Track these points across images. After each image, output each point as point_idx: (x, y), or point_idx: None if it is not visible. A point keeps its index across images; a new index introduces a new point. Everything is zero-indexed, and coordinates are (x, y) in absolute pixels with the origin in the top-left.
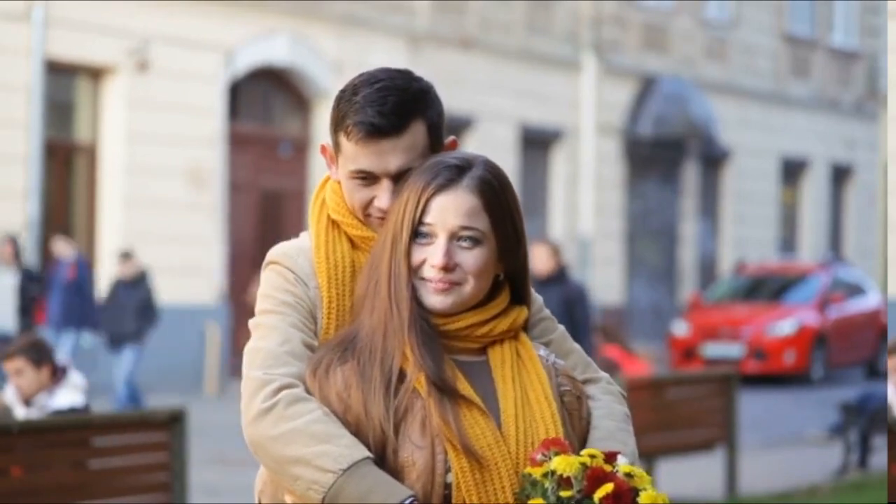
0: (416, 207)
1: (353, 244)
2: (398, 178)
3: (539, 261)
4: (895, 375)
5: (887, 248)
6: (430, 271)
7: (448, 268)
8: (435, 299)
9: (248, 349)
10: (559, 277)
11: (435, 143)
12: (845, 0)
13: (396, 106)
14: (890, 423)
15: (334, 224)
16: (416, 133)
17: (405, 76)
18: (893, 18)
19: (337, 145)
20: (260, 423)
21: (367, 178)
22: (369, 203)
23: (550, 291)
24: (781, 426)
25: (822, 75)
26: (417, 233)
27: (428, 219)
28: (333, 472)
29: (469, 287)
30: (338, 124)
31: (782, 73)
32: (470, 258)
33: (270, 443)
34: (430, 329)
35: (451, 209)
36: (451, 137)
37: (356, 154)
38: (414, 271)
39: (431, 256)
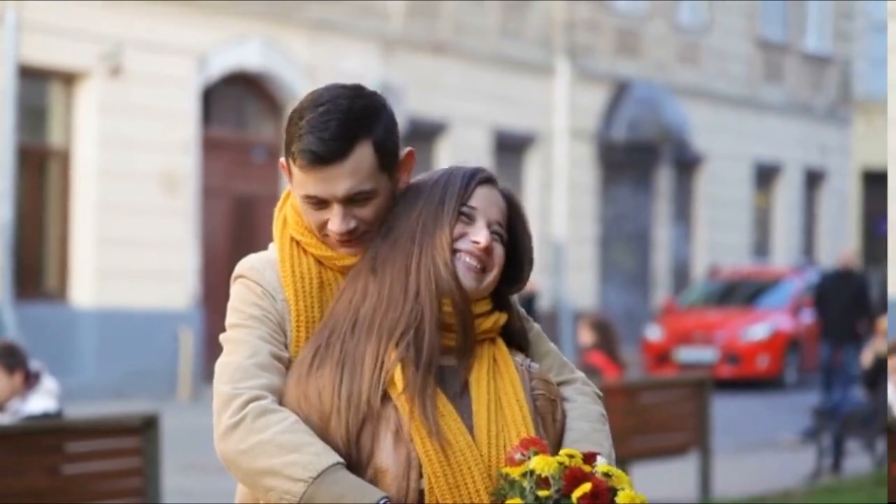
0: (463, 189)
1: (318, 260)
2: (349, 200)
3: None
4: (895, 375)
5: (888, 248)
6: (470, 245)
7: (489, 250)
8: (468, 276)
9: (218, 364)
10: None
11: (384, 159)
12: (818, 1)
13: (338, 131)
14: (890, 423)
15: (297, 241)
16: (361, 155)
17: (351, 94)
18: (893, 18)
19: (289, 168)
20: (229, 438)
21: (318, 202)
22: (324, 225)
23: None
24: (755, 430)
25: (795, 80)
26: (459, 212)
27: (473, 202)
28: (304, 480)
29: (492, 276)
30: (287, 149)
31: (755, 78)
32: (498, 250)
33: (240, 457)
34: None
35: (493, 202)
36: (408, 149)
37: (304, 180)
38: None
39: (474, 234)
